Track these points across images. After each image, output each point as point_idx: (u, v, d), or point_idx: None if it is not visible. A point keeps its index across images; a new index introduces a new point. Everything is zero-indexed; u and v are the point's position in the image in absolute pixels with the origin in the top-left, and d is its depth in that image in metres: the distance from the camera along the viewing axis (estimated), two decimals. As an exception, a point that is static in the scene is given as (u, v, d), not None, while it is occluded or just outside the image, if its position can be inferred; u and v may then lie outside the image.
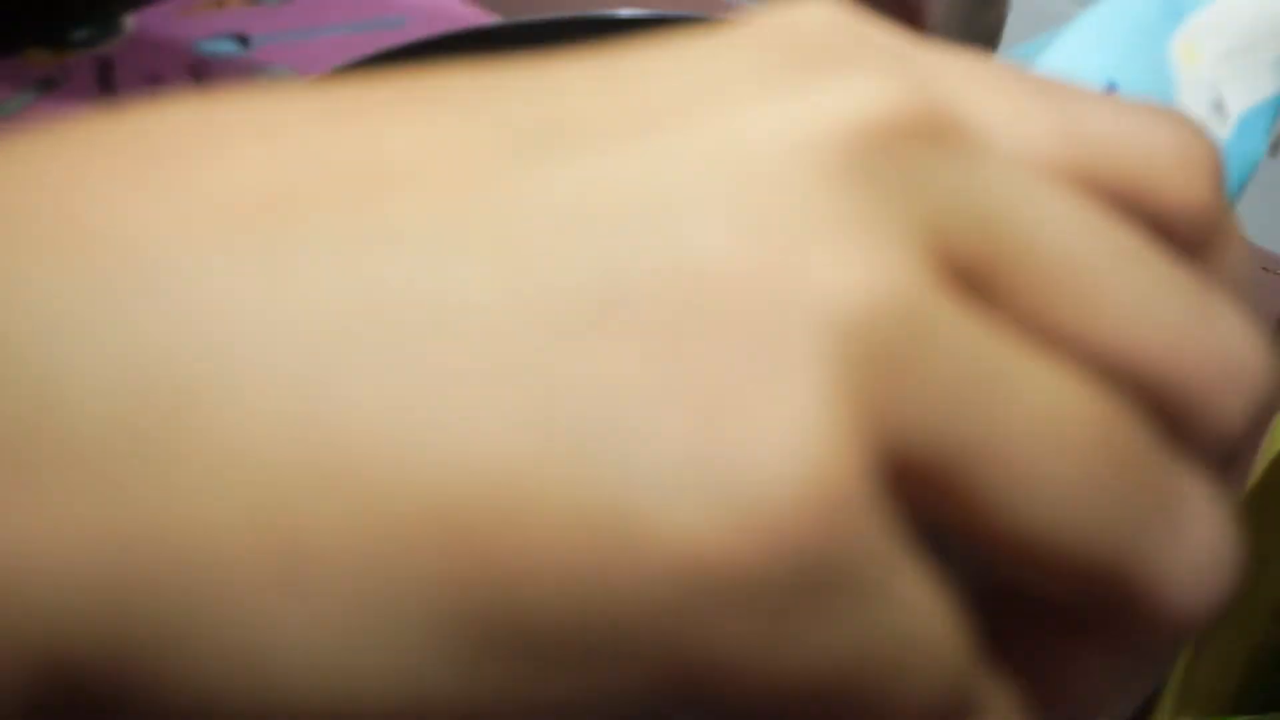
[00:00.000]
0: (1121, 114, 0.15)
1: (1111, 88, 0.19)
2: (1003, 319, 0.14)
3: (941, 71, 0.15)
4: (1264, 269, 0.46)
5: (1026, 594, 0.15)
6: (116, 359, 0.11)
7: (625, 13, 0.49)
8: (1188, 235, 0.15)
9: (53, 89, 0.53)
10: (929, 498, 0.13)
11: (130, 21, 0.57)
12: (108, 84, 0.53)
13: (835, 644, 0.12)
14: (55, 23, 0.56)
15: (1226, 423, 0.15)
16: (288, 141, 0.13)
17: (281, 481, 0.11)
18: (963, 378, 0.12)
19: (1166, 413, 0.14)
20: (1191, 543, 0.14)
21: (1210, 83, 0.19)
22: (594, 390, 0.12)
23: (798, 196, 0.13)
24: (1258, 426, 0.15)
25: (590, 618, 0.11)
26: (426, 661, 0.11)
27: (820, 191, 0.13)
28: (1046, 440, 0.13)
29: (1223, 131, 0.20)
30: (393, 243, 0.12)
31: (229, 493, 0.11)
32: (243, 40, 0.56)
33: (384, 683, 0.11)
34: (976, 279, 0.13)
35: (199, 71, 0.54)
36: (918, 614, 0.12)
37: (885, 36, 0.15)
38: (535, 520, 0.11)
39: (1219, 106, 0.20)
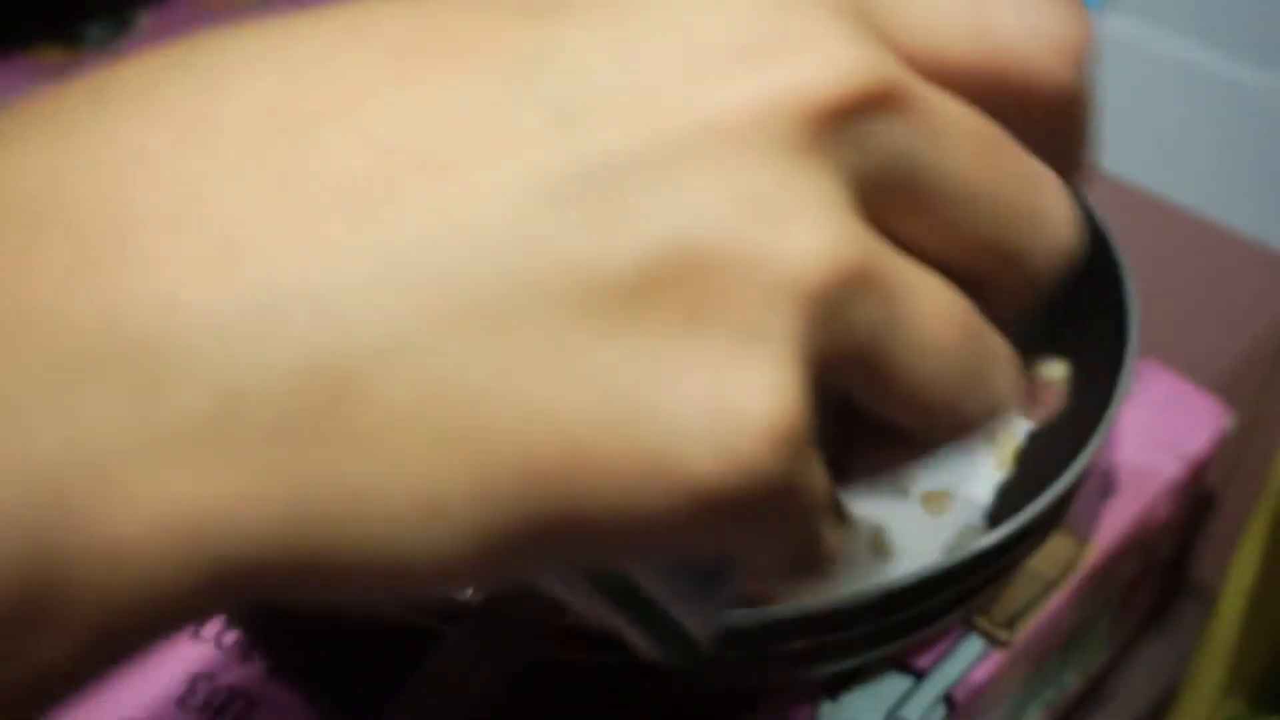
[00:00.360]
0: (1021, 4, 0.18)
1: None
2: (895, 245, 0.17)
3: None
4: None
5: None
6: (281, 361, 0.14)
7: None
8: (1046, 116, 0.18)
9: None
10: (846, 380, 0.17)
11: (145, 19, 0.57)
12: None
13: (776, 529, 0.16)
14: (69, 20, 0.56)
15: (1030, 296, 0.19)
16: (363, 128, 0.15)
17: (417, 444, 0.14)
18: (883, 304, 0.16)
19: (988, 283, 0.18)
20: (1004, 380, 0.18)
21: None
22: (632, 363, 0.15)
23: (771, 173, 0.15)
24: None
25: (631, 524, 0.15)
26: (495, 544, 0.15)
27: (788, 167, 0.15)
28: (932, 328, 0.17)
29: None
30: (458, 232, 0.15)
31: (380, 454, 0.14)
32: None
33: (470, 559, 0.15)
34: (880, 211, 0.17)
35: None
36: (820, 497, 0.17)
37: None
38: (595, 456, 0.15)
39: None
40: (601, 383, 0.15)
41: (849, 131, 0.16)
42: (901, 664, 0.36)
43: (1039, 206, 0.18)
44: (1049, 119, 0.18)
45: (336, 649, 0.35)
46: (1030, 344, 0.45)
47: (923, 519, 0.39)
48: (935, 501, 0.40)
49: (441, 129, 0.15)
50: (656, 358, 0.15)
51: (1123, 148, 0.51)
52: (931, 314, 0.17)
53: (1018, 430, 0.42)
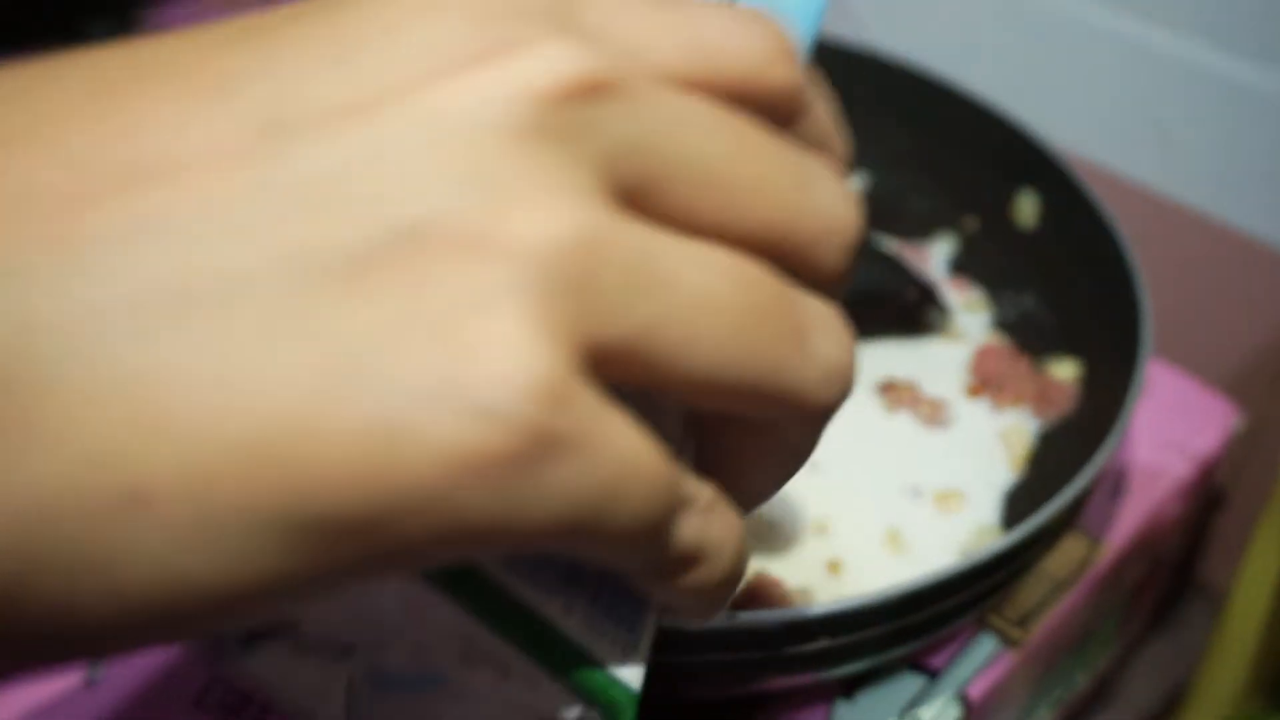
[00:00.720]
0: (727, 21, 0.19)
1: None
2: (663, 225, 0.17)
3: (592, 9, 0.18)
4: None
5: (718, 416, 0.20)
6: None
7: None
8: (784, 111, 0.19)
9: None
10: (625, 370, 0.17)
11: (147, 17, 0.57)
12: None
13: (570, 489, 0.16)
14: (70, 18, 0.56)
15: (832, 264, 0.19)
16: (57, 146, 0.15)
17: (113, 437, 0.14)
18: (636, 281, 0.16)
19: (788, 263, 0.19)
20: (821, 355, 0.18)
21: None
22: (358, 337, 0.15)
23: (497, 157, 0.16)
24: None
25: (376, 510, 0.15)
26: (248, 556, 0.15)
27: (514, 151, 0.16)
28: (704, 309, 0.17)
29: None
30: (169, 234, 0.15)
31: (71, 455, 0.14)
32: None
33: (216, 578, 0.15)
34: (640, 196, 0.17)
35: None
36: (625, 453, 0.16)
37: None
38: (322, 444, 0.14)
39: None
40: (323, 355, 0.15)
41: (573, 118, 0.16)
42: (916, 663, 0.36)
43: (804, 187, 0.19)
44: (787, 115, 0.19)
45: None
46: (1041, 343, 0.45)
47: (936, 519, 0.39)
48: (948, 501, 0.40)
49: (144, 143, 0.15)
50: (384, 329, 0.15)
51: (1132, 149, 0.51)
52: (702, 282, 0.17)
53: (1029, 430, 0.42)
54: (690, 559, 0.18)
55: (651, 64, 0.18)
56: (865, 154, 0.51)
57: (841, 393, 0.19)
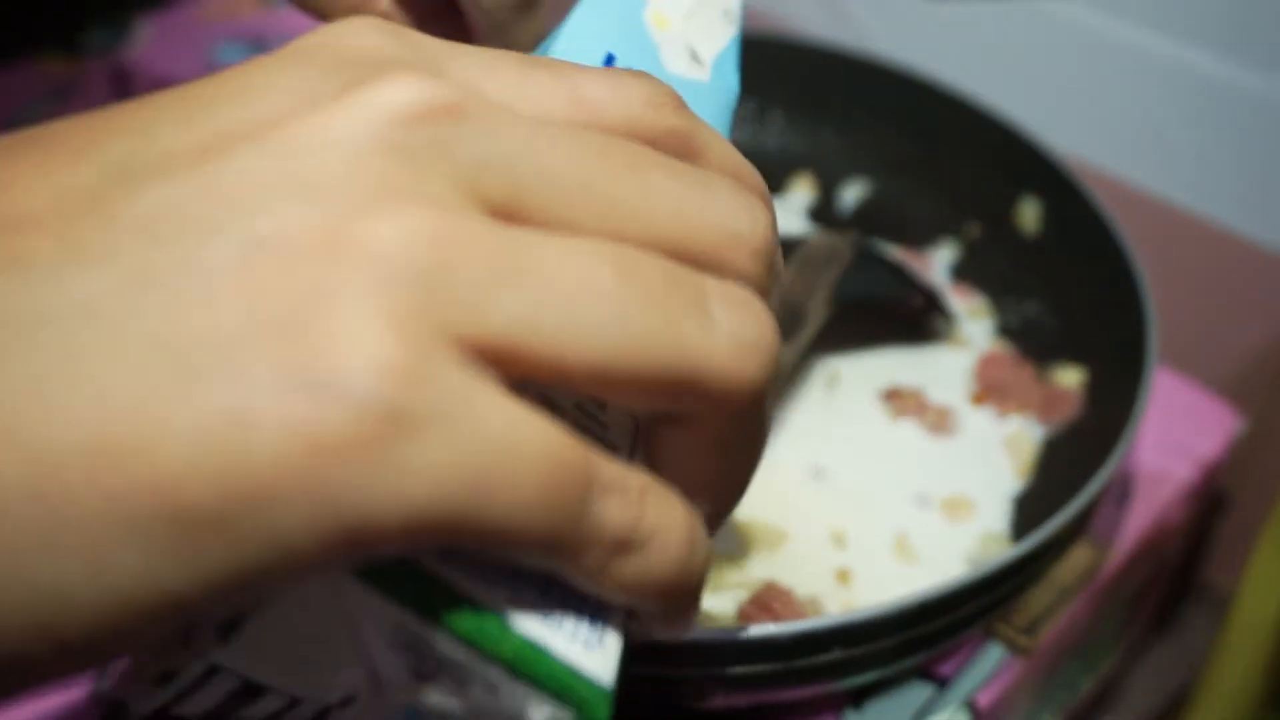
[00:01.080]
0: (606, 78, 0.20)
1: (610, 61, 0.23)
2: (533, 228, 0.18)
3: (464, 66, 0.19)
4: None
5: (652, 420, 0.19)
6: None
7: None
8: (677, 151, 0.20)
9: (68, 96, 0.53)
10: (515, 363, 0.17)
11: (145, 25, 0.57)
12: (124, 91, 0.54)
13: (438, 468, 0.16)
14: (69, 27, 0.56)
15: (744, 271, 0.19)
16: None
17: None
18: (500, 273, 0.17)
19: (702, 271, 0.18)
20: (727, 330, 0.18)
21: (683, 41, 0.24)
22: (206, 341, 0.15)
23: (348, 177, 0.16)
24: None
25: (234, 501, 0.15)
26: (118, 562, 0.15)
27: (364, 167, 0.17)
28: (583, 296, 0.17)
29: (704, 75, 0.25)
30: (28, 269, 0.15)
31: None
32: (259, 44, 0.56)
33: (92, 589, 0.15)
34: (514, 208, 0.18)
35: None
36: (502, 432, 0.16)
37: (413, 45, 0.19)
38: (170, 439, 0.15)
39: (695, 57, 0.24)
40: (171, 359, 0.15)
41: (424, 137, 0.17)
42: (924, 672, 0.36)
43: (702, 200, 0.19)
44: (683, 154, 0.20)
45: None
46: (1045, 350, 0.45)
47: (944, 527, 0.39)
48: (956, 509, 0.40)
49: (6, 201, 0.16)
50: (232, 332, 0.15)
51: (1134, 155, 0.51)
52: (579, 269, 0.17)
53: (1035, 437, 0.42)
54: (619, 546, 0.18)
55: (531, 113, 0.19)
56: (866, 161, 0.51)
57: (758, 369, 0.18)
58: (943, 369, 0.45)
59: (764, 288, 0.19)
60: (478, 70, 0.19)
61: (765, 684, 0.32)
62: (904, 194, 0.51)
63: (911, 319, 0.46)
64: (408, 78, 0.18)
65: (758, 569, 0.37)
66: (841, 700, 0.35)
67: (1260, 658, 0.42)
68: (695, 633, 0.31)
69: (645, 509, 0.18)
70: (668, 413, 0.19)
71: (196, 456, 0.15)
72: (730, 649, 0.31)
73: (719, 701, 0.33)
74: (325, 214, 0.16)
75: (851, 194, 0.51)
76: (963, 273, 0.49)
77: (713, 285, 0.18)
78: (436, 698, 0.18)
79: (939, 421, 0.43)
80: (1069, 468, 0.39)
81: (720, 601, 0.36)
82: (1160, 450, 0.43)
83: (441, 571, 0.18)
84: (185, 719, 0.19)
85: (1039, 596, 0.38)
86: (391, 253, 0.16)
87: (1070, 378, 0.44)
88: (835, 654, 0.32)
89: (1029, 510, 0.40)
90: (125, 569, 0.15)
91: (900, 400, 0.43)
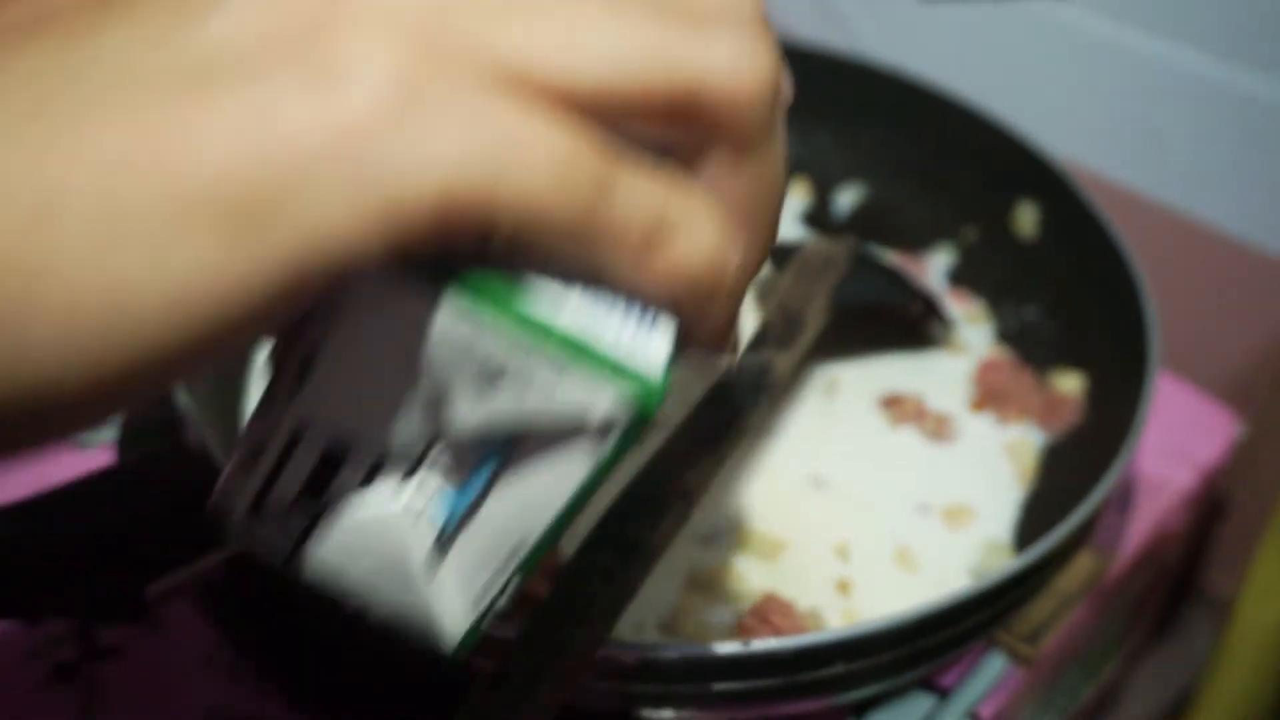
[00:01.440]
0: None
1: None
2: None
3: None
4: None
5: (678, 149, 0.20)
6: None
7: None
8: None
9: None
10: (537, 93, 0.18)
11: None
12: None
13: (459, 141, 0.17)
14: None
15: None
16: None
17: (22, 163, 0.16)
18: (498, 15, 0.18)
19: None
20: (723, 43, 0.19)
21: None
22: (229, 56, 0.17)
23: None
24: None
25: (274, 181, 0.16)
26: (179, 255, 0.16)
27: None
28: (579, 24, 0.18)
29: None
30: (69, 36, 0.17)
31: None
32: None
33: (157, 281, 0.16)
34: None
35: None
36: (515, 123, 0.17)
37: None
38: (205, 140, 0.16)
39: None
40: (206, 72, 0.17)
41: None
42: (926, 683, 0.36)
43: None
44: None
45: (359, 680, 0.34)
46: (1044, 355, 0.45)
47: (946, 535, 0.39)
48: (957, 517, 0.40)
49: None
50: (252, 56, 0.17)
51: (1131, 159, 0.51)
52: (568, 4, 0.18)
53: (1035, 443, 0.42)
54: (650, 238, 0.19)
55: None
56: (862, 165, 0.51)
57: (758, 81, 0.19)
58: (942, 375, 0.44)
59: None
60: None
61: (767, 698, 0.32)
62: (900, 198, 0.50)
63: (909, 325, 0.45)
64: None
65: (757, 580, 0.37)
66: (843, 713, 0.35)
67: (1261, 662, 0.42)
68: (697, 648, 0.31)
69: (671, 199, 0.19)
70: (685, 144, 0.20)
71: (230, 149, 0.16)
72: (735, 665, 0.30)
73: (721, 716, 0.33)
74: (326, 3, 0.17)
75: (847, 198, 0.51)
76: (960, 277, 0.48)
77: (709, 6, 0.19)
78: (499, 408, 0.19)
79: (938, 428, 0.42)
80: (1071, 474, 0.39)
81: (720, 614, 0.36)
82: (1161, 456, 0.43)
83: (486, 271, 0.19)
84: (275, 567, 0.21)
85: (1041, 605, 0.38)
86: (391, 7, 0.17)
87: (1070, 384, 0.43)
88: (837, 668, 0.31)
89: (1031, 518, 0.40)
90: (183, 259, 0.16)
91: (899, 407, 0.43)
